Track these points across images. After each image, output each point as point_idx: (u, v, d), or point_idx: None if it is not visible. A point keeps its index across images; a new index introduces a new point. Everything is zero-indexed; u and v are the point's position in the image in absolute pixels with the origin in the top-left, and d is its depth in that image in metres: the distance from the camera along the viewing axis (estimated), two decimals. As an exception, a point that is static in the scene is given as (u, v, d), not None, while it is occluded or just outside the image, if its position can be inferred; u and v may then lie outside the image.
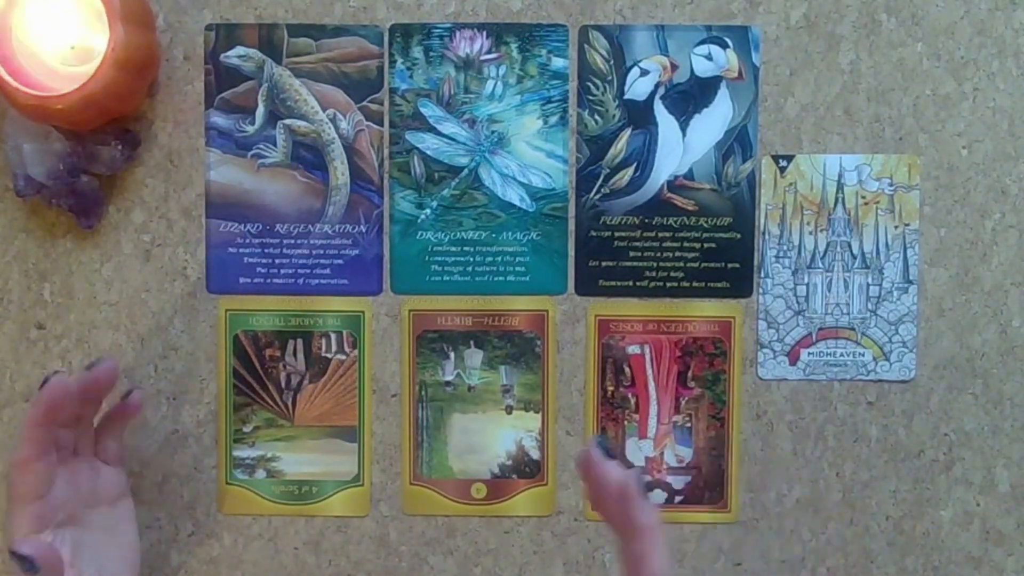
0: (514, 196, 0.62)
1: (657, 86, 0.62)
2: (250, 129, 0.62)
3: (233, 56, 0.62)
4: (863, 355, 0.62)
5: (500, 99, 0.62)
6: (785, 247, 0.62)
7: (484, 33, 0.62)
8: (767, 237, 0.62)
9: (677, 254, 0.62)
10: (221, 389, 0.63)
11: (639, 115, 0.62)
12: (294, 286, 0.63)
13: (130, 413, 0.59)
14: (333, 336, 0.63)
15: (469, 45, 0.62)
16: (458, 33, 0.62)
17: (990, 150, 0.62)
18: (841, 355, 0.62)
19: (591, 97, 0.62)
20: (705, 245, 0.62)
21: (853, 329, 0.62)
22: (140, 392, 0.59)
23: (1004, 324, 0.62)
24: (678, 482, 0.63)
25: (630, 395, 0.63)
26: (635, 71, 0.62)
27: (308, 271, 0.63)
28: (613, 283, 0.63)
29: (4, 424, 0.63)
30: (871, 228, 0.62)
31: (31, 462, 0.54)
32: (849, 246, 0.62)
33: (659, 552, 0.46)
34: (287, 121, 0.62)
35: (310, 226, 0.63)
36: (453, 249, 0.63)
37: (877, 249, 0.62)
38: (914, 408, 0.62)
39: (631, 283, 0.63)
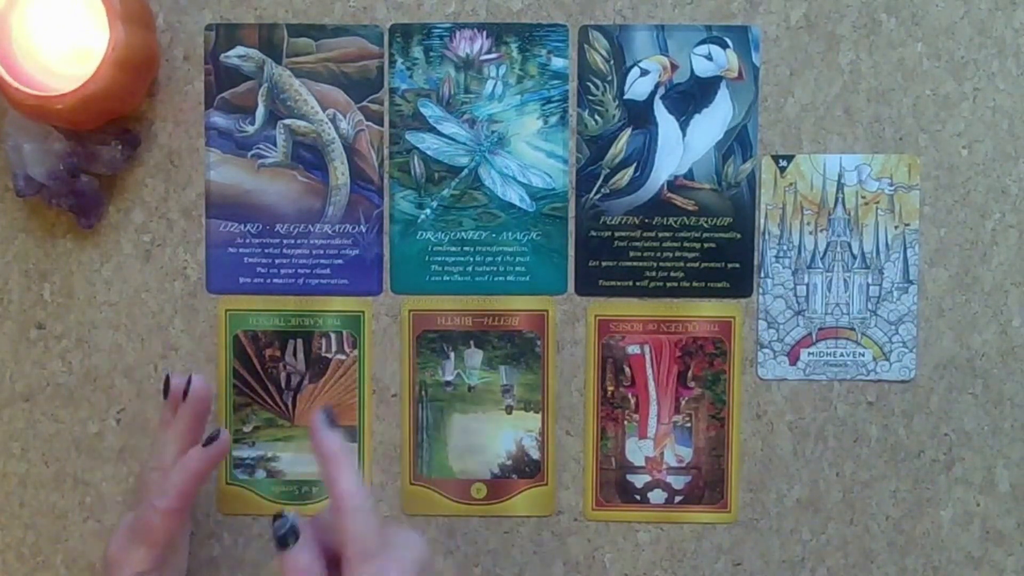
0: (514, 196, 0.62)
1: (657, 86, 0.62)
2: (250, 129, 0.62)
3: (233, 56, 0.62)
4: (863, 355, 0.62)
5: (500, 99, 0.62)
6: (785, 247, 0.62)
7: (484, 33, 0.62)
8: (767, 237, 0.62)
9: (677, 254, 0.62)
10: (221, 389, 0.63)
11: (639, 115, 0.62)
12: (294, 286, 0.63)
13: (218, 455, 0.56)
14: (333, 336, 0.63)
15: (469, 45, 0.62)
16: (458, 33, 0.62)
17: (990, 150, 0.62)
18: (841, 355, 0.62)
19: (591, 97, 0.62)
20: (705, 245, 0.62)
21: (853, 329, 0.62)
22: (226, 432, 0.56)
23: (1004, 324, 0.62)
24: (678, 482, 0.63)
25: (630, 395, 0.63)
26: (635, 71, 0.62)
27: (308, 271, 0.63)
28: (613, 283, 0.63)
29: (4, 424, 0.63)
30: (871, 228, 0.62)
31: (181, 513, 0.54)
32: (849, 246, 0.62)
33: (345, 474, 0.48)
34: (287, 121, 0.62)
35: (310, 226, 0.63)
36: (453, 249, 0.63)
37: (877, 249, 0.62)
38: (914, 408, 0.62)
39: (631, 283, 0.63)
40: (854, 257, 0.62)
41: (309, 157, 0.63)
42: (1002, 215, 0.62)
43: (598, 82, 0.62)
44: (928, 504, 0.62)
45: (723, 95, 0.62)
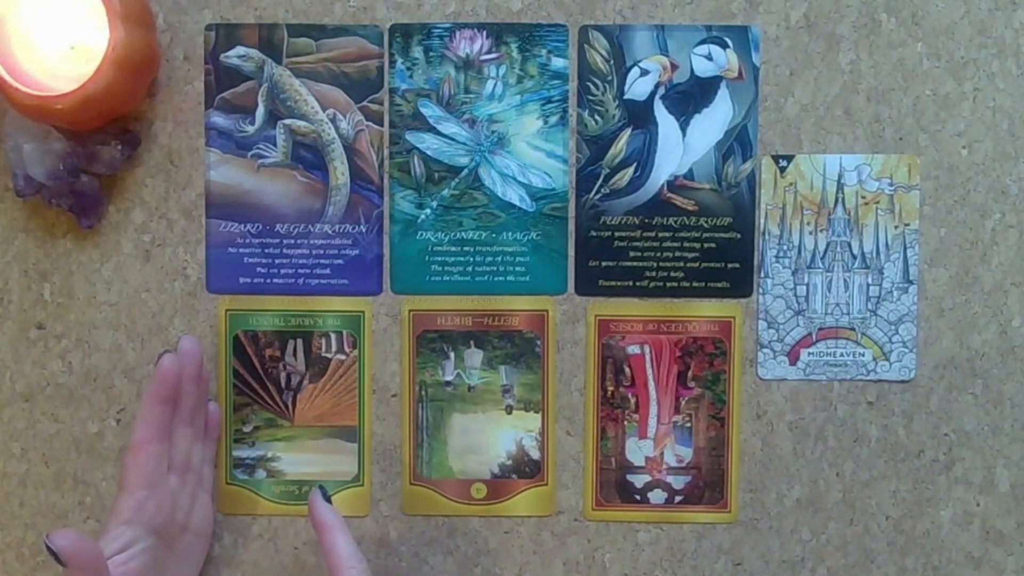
0: (514, 196, 0.62)
1: (657, 86, 0.62)
2: (250, 129, 0.62)
3: (233, 56, 0.62)
4: (863, 355, 0.62)
5: (500, 99, 0.62)
6: (785, 247, 0.62)
7: (484, 33, 0.62)
8: (767, 237, 0.62)
9: (677, 254, 0.62)
10: (221, 389, 0.63)
11: (639, 115, 0.62)
12: (294, 286, 0.63)
13: (213, 424, 0.62)
14: (333, 336, 0.63)
15: (469, 45, 0.62)
16: (458, 33, 0.62)
17: (990, 150, 0.62)
18: (841, 355, 0.62)
19: (591, 97, 0.62)
20: (705, 245, 0.62)
21: (853, 329, 0.62)
22: (216, 405, 0.62)
23: (1004, 324, 0.62)
24: (678, 482, 0.63)
25: (630, 395, 0.63)
26: (635, 71, 0.62)
27: (308, 271, 0.63)
28: (613, 283, 0.63)
29: (4, 424, 0.63)
30: (871, 228, 0.62)
31: (147, 444, 0.56)
32: (849, 246, 0.62)
33: (341, 540, 0.53)
34: (287, 121, 0.62)
35: (310, 226, 0.63)
36: (453, 249, 0.63)
37: (877, 249, 0.62)
38: (914, 408, 0.62)
39: (631, 283, 0.63)
40: (854, 257, 0.62)
41: (309, 157, 0.63)
42: (1002, 215, 0.62)
43: (598, 82, 0.62)
44: (928, 504, 0.62)
45: (723, 95, 0.62)
